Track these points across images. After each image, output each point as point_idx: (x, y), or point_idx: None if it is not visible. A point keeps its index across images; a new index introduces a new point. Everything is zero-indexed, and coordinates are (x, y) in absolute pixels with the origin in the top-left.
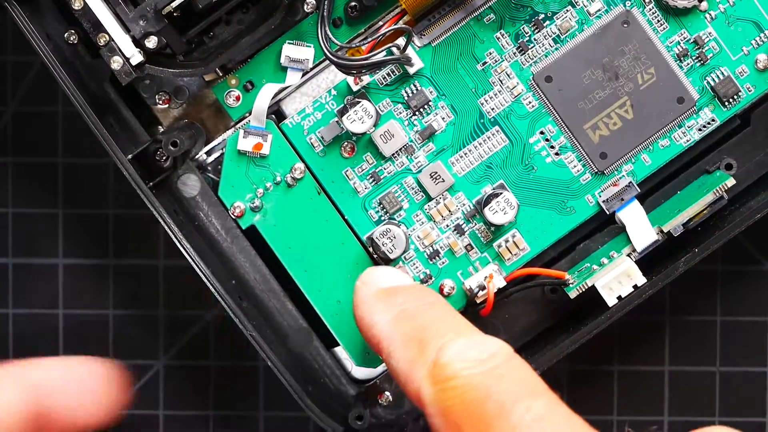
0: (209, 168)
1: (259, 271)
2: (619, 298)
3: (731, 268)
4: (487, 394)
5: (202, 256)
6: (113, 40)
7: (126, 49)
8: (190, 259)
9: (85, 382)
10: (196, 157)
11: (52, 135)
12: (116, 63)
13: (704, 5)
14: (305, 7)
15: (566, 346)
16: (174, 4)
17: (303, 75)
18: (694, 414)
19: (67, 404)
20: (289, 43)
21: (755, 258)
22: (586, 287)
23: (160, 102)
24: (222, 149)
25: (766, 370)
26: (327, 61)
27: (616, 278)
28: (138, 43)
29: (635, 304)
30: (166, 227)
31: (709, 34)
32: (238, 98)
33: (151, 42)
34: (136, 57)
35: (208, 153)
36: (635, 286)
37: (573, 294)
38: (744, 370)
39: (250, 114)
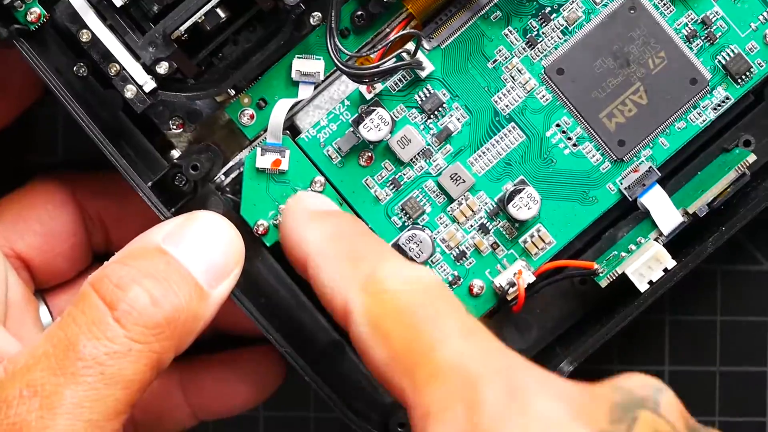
0: (227, 189)
1: (288, 287)
2: (651, 283)
3: (731, 268)
4: (422, 304)
5: None
6: (124, 69)
7: (138, 77)
8: None
9: None
10: (215, 179)
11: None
12: (130, 92)
13: None
14: (312, 20)
15: (602, 335)
16: (183, 28)
17: (315, 88)
18: (694, 413)
19: None
20: (298, 57)
21: (755, 258)
22: (617, 275)
23: (174, 127)
24: (239, 169)
25: (766, 370)
26: (338, 72)
27: (646, 263)
28: (149, 69)
29: (667, 287)
30: None
31: (716, 13)
32: (252, 117)
33: (162, 68)
34: (148, 84)
35: (226, 174)
36: (665, 270)
37: (604, 283)
38: (744, 370)
39: (265, 131)
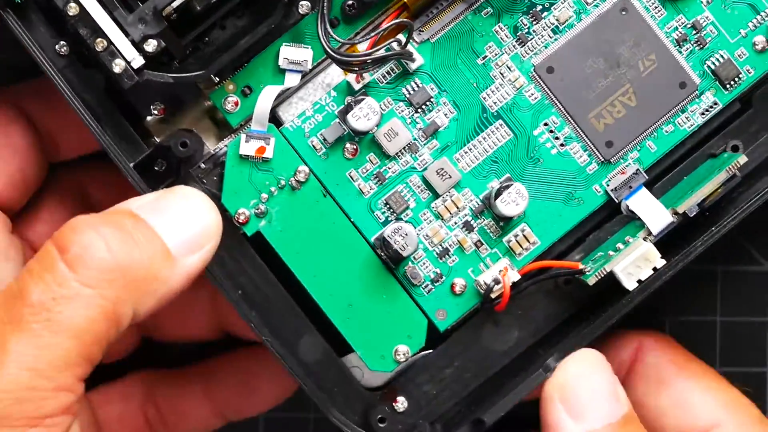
0: (204, 180)
1: (267, 280)
2: (639, 281)
3: (731, 268)
4: None
5: (209, 267)
6: (113, 44)
7: (127, 53)
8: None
9: None
10: (195, 166)
11: None
12: (118, 66)
13: None
14: (300, 9)
15: (589, 333)
16: (174, 5)
17: (302, 77)
18: None
19: None
20: (286, 45)
21: (755, 258)
22: (605, 273)
23: (156, 112)
24: (219, 159)
25: (766, 370)
26: (325, 63)
27: (634, 262)
28: (137, 46)
29: (655, 287)
30: None
31: (707, 18)
32: (236, 104)
33: (150, 45)
34: (137, 60)
35: (206, 163)
36: (654, 269)
37: (592, 281)
38: (744, 371)
39: (249, 119)
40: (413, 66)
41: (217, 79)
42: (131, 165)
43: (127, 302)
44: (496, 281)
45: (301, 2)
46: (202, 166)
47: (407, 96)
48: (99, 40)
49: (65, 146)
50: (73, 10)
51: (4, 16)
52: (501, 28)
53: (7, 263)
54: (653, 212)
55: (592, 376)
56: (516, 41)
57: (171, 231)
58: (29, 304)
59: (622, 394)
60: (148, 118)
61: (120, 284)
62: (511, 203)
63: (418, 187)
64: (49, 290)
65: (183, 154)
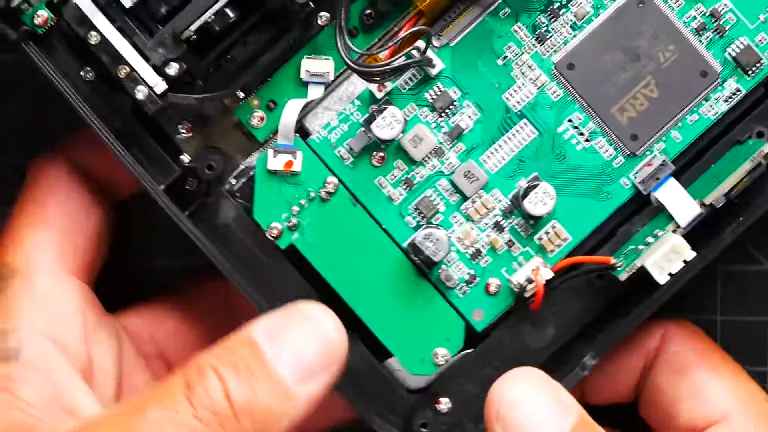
0: (238, 194)
1: (304, 290)
2: (670, 275)
3: (731, 268)
4: None
5: (246, 281)
6: (135, 71)
7: (149, 78)
8: (237, 286)
9: None
10: (225, 183)
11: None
12: (141, 93)
13: None
14: (319, 20)
15: (624, 327)
16: (193, 28)
17: (325, 88)
18: None
19: None
20: (307, 57)
21: (755, 258)
22: (635, 268)
23: (183, 131)
24: (250, 173)
25: (766, 371)
26: (346, 73)
27: (665, 255)
28: (159, 71)
29: (686, 279)
30: (210, 257)
31: (725, 5)
32: (262, 119)
33: (172, 69)
34: (160, 85)
35: (236, 178)
36: (685, 261)
37: (623, 276)
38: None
39: (275, 134)
40: (434, 71)
41: (242, 94)
42: (161, 188)
43: None
44: (529, 281)
45: (320, 14)
46: (233, 181)
47: (430, 101)
48: (121, 67)
49: (121, 187)
50: (94, 38)
51: (27, 49)
52: (520, 28)
53: (97, 346)
54: (681, 204)
55: (530, 398)
56: (535, 40)
57: (290, 361)
58: (148, 421)
59: (569, 400)
60: (177, 136)
61: (236, 428)
62: (539, 203)
63: (447, 190)
64: (168, 414)
65: (209, 176)
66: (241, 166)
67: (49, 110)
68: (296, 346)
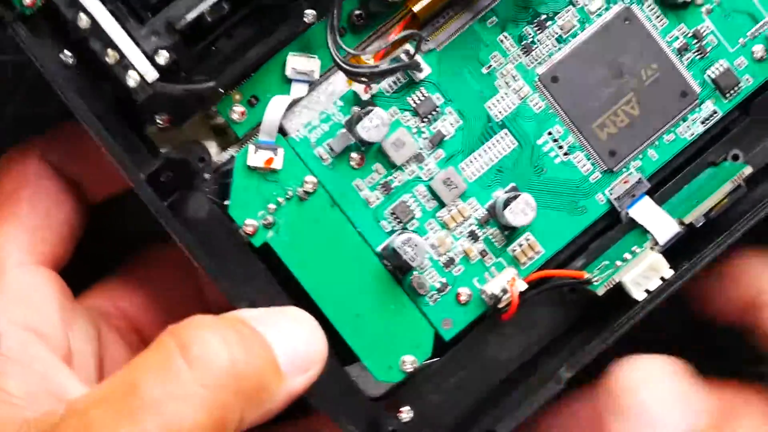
0: (206, 189)
1: (274, 290)
2: (647, 291)
3: None
4: None
5: (217, 276)
6: (125, 57)
7: (140, 66)
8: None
9: None
10: (204, 175)
11: None
12: (132, 80)
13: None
14: (306, 18)
15: (599, 342)
16: (190, 17)
17: (309, 87)
18: None
19: None
20: (293, 54)
21: None
22: (613, 283)
23: (161, 122)
24: (223, 169)
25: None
26: (329, 73)
27: (643, 273)
28: (149, 59)
29: (663, 297)
30: (189, 253)
31: (707, 27)
32: (243, 114)
33: (161, 58)
34: (150, 73)
35: (210, 172)
36: (663, 278)
37: (601, 291)
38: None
39: (254, 130)
40: (420, 76)
41: (222, 90)
42: (142, 177)
43: (236, 409)
44: (504, 291)
45: (305, 11)
46: (206, 176)
47: (413, 106)
48: (111, 52)
49: (93, 190)
50: (84, 22)
51: (15, 29)
52: (506, 38)
53: (73, 332)
54: (658, 222)
55: (657, 383)
56: (521, 50)
57: (281, 347)
58: (143, 398)
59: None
60: (150, 127)
61: (233, 390)
62: (520, 213)
63: (424, 196)
64: (166, 387)
65: (202, 169)
66: (215, 161)
67: (48, 110)
68: (286, 338)
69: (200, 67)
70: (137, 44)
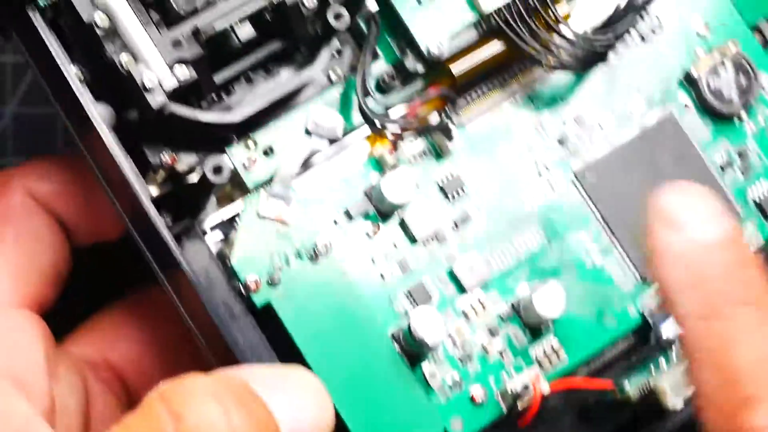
0: (206, 238)
1: (268, 357)
2: (686, 401)
3: None
4: None
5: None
6: (144, 59)
7: (159, 70)
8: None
9: None
10: (203, 225)
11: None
12: (150, 81)
13: (744, 116)
14: (332, 75)
15: None
16: (218, 26)
17: (330, 143)
18: None
19: None
20: (316, 106)
21: None
22: (648, 389)
23: (167, 159)
24: (229, 223)
25: None
26: (352, 135)
27: (682, 378)
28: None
29: None
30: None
31: (751, 148)
32: (254, 162)
33: (180, 73)
34: (168, 80)
35: (212, 227)
36: None
37: (634, 395)
38: None
39: (267, 182)
40: (449, 147)
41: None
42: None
43: None
44: (525, 387)
45: (332, 68)
46: (207, 228)
47: (439, 181)
48: (126, 56)
49: (81, 232)
50: (102, 20)
51: (34, 21)
52: (542, 126)
53: (57, 383)
54: None
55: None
56: (557, 142)
57: (285, 418)
58: None
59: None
60: (155, 160)
61: None
62: (549, 303)
63: (442, 280)
64: None
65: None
66: (227, 210)
67: (49, 110)
68: (292, 406)
69: (215, 105)
70: (157, 49)
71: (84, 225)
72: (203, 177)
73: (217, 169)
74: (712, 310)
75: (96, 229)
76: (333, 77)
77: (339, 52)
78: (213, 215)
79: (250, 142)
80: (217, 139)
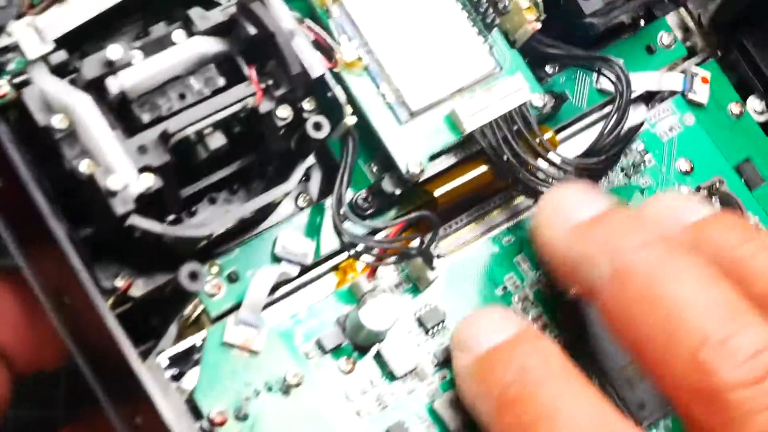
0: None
1: None
2: None
3: None
4: None
5: None
6: (108, 163)
7: (125, 174)
8: None
9: None
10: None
11: None
12: (115, 183)
13: None
14: (298, 201)
15: None
16: (189, 131)
17: (300, 269)
18: None
19: None
20: (285, 231)
21: None
22: None
23: (120, 284)
24: (189, 355)
25: None
26: (325, 265)
27: None
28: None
29: None
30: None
31: None
32: (219, 287)
33: (143, 183)
34: (134, 186)
35: (172, 359)
36: None
37: None
38: None
39: (231, 311)
40: (430, 277)
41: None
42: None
43: None
44: None
45: (300, 194)
46: (166, 361)
47: (418, 315)
48: (88, 161)
49: (22, 361)
50: (61, 122)
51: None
52: (523, 260)
53: None
54: None
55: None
56: (539, 275)
57: None
58: None
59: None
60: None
61: None
62: None
63: (423, 419)
64: None
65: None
66: (190, 339)
67: None
68: None
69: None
70: (124, 153)
71: (25, 353)
72: (176, 288)
73: (193, 275)
74: (620, 262)
75: (38, 358)
76: (300, 203)
77: (307, 176)
78: (169, 349)
79: (214, 267)
80: (177, 260)
